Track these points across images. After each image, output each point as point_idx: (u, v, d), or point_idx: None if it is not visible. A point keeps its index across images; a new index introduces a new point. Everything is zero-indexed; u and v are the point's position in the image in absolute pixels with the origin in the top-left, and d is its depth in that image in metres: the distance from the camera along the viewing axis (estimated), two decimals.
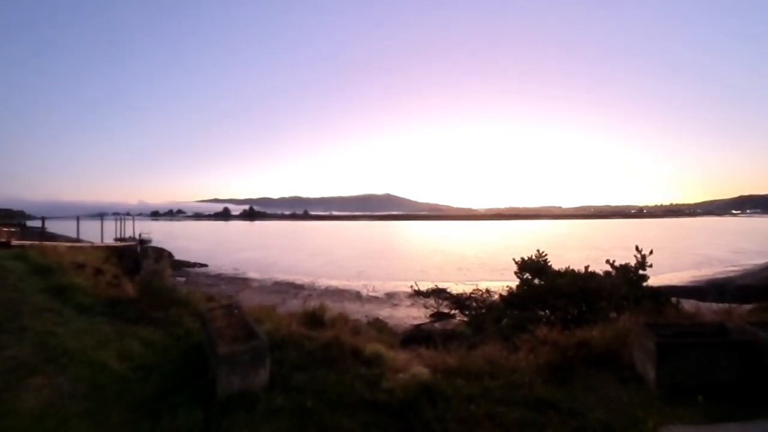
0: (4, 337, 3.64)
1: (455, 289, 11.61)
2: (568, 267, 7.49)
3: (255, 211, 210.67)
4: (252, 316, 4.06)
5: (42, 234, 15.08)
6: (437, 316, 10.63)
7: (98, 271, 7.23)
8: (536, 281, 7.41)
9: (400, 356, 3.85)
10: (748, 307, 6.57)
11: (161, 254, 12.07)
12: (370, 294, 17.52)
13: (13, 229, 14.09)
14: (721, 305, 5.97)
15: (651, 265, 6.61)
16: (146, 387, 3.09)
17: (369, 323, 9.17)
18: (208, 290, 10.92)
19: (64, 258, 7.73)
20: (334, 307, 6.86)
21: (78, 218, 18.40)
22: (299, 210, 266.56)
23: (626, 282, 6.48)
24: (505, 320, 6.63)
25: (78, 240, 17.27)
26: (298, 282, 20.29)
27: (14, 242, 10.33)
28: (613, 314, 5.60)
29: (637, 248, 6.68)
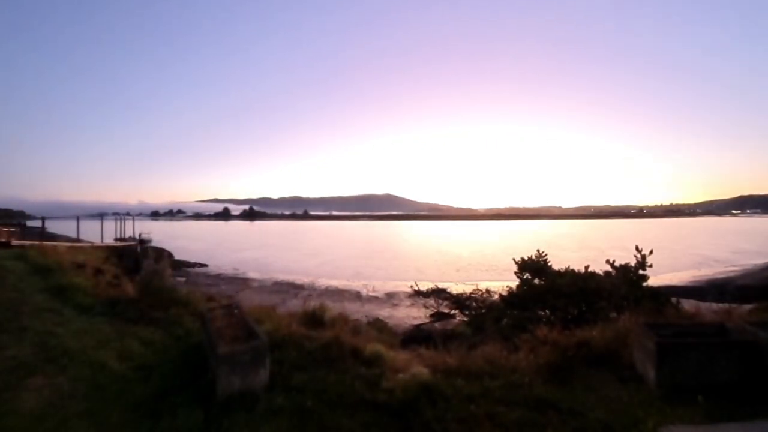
0: (4, 337, 3.64)
1: (455, 289, 11.61)
2: (568, 267, 7.49)
3: (255, 211, 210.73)
4: (252, 316, 4.06)
5: (42, 234, 15.08)
6: (437, 316, 10.63)
7: (98, 271, 7.23)
8: (536, 281, 7.41)
9: (400, 356, 3.85)
10: (748, 307, 6.57)
11: (161, 254, 12.07)
12: (370, 294, 17.52)
13: (13, 229, 14.09)
14: (721, 305, 5.97)
15: (651, 265, 6.61)
16: (146, 387, 3.09)
17: (369, 323, 9.17)
18: (208, 290, 10.92)
19: (64, 258, 7.73)
20: (334, 307, 6.86)
21: (78, 218, 18.40)
22: (299, 210, 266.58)
23: (626, 282, 6.48)
24: (505, 320, 6.63)
25: (78, 240, 17.27)
26: (298, 282, 20.29)
27: (14, 242, 10.33)
28: (613, 314, 5.60)
29: (637, 248, 6.68)
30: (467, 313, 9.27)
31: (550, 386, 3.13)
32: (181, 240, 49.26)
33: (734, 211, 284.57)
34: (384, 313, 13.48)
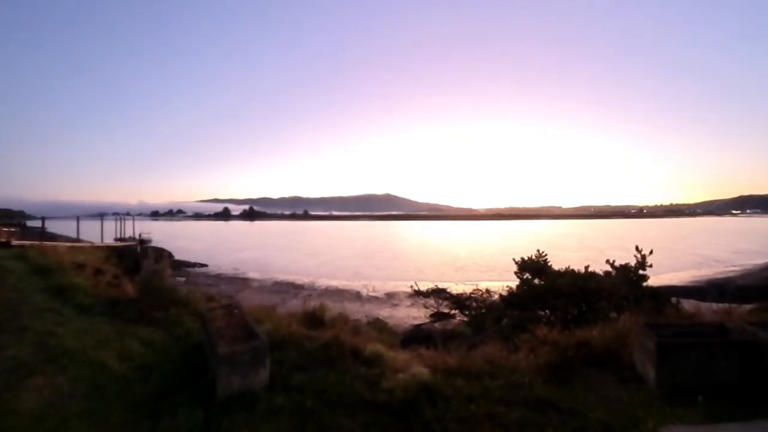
0: (4, 337, 3.64)
1: (455, 289, 11.61)
2: (568, 267, 7.49)
3: (255, 211, 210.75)
4: (252, 316, 4.06)
5: (42, 234, 15.08)
6: (437, 316, 10.63)
7: (98, 271, 7.23)
8: (536, 281, 7.41)
9: (400, 356, 3.85)
10: (748, 307, 6.57)
11: (161, 254, 12.07)
12: (370, 294, 17.52)
13: (13, 229, 14.09)
14: (721, 305, 5.97)
15: (651, 265, 6.61)
16: (146, 387, 3.09)
17: (369, 323, 9.17)
18: (208, 290, 10.92)
19: (64, 258, 7.73)
20: (334, 307, 6.86)
21: (78, 218, 18.40)
22: (299, 210, 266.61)
23: (626, 282, 6.48)
24: (505, 320, 6.63)
25: (78, 240, 17.27)
26: (298, 282, 20.29)
27: (14, 242, 10.33)
28: (613, 314, 5.60)
29: (637, 248, 6.68)
30: (467, 313, 9.27)
31: (550, 386, 3.13)
32: (181, 240, 49.27)
33: (734, 211, 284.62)
34: (384, 313, 13.48)
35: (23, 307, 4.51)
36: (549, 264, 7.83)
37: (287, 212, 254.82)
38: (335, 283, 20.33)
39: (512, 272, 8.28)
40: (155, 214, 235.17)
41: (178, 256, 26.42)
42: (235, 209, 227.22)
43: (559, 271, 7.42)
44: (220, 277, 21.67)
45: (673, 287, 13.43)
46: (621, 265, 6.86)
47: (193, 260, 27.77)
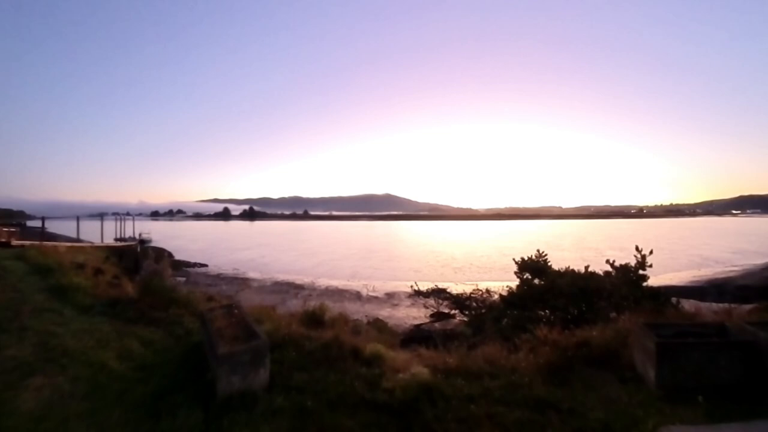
0: (4, 337, 3.64)
1: (455, 289, 11.61)
2: (568, 267, 7.49)
3: (255, 211, 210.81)
4: (252, 316, 4.06)
5: (42, 234, 15.09)
6: (437, 316, 10.64)
7: (98, 271, 7.22)
8: (536, 281, 7.41)
9: (400, 356, 3.84)
10: (748, 307, 6.57)
11: (161, 254, 12.07)
12: (370, 294, 17.53)
13: (13, 229, 14.09)
14: (721, 305, 5.98)
15: (651, 266, 6.61)
16: (146, 387, 3.09)
17: (369, 323, 9.17)
18: (208, 290, 10.92)
19: (64, 258, 7.73)
20: (334, 307, 6.86)
21: (78, 218, 18.41)
22: (299, 210, 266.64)
23: (626, 282, 6.48)
24: (505, 320, 6.63)
25: (78, 240, 17.28)
26: (298, 282, 20.30)
27: (14, 242, 10.33)
28: (613, 314, 5.60)
29: (637, 248, 6.68)
30: (467, 313, 9.27)
31: (550, 386, 3.13)
32: (181, 240, 49.26)
33: (734, 211, 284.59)
34: (384, 313, 13.48)
35: (23, 307, 4.51)
36: (549, 264, 7.83)
37: (287, 212, 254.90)
38: (335, 283, 20.33)
39: (512, 272, 8.29)
40: (155, 214, 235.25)
41: (178, 256, 26.44)
42: (235, 209, 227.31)
43: (559, 271, 7.42)
44: (220, 277, 21.68)
45: (673, 287, 13.44)
46: (621, 265, 6.86)
47: (193, 260, 27.79)
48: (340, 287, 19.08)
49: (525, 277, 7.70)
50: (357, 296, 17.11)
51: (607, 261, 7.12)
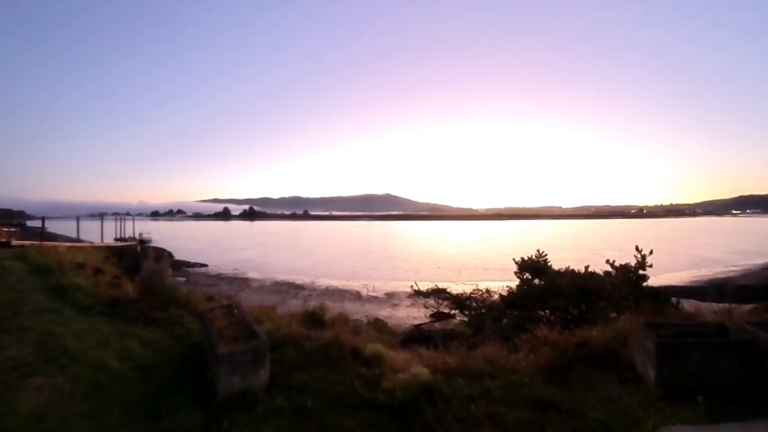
0: (4, 337, 3.64)
1: (455, 289, 11.61)
2: (568, 267, 7.49)
3: (255, 211, 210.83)
4: (252, 316, 4.06)
5: (42, 234, 15.09)
6: (437, 316, 10.64)
7: (98, 271, 7.22)
8: (536, 281, 7.41)
9: (400, 356, 3.84)
10: (748, 307, 6.57)
11: (161, 254, 12.08)
12: (370, 294, 17.53)
13: (13, 229, 14.09)
14: (721, 305, 5.98)
15: (651, 266, 6.61)
16: (146, 387, 3.09)
17: (369, 323, 9.18)
18: (208, 290, 10.92)
19: (64, 258, 7.72)
20: (334, 307, 6.85)
21: (78, 218, 18.41)
22: (299, 210, 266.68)
23: (626, 282, 6.47)
24: (505, 320, 6.63)
25: (78, 240, 17.28)
26: (298, 282, 20.30)
27: (14, 242, 10.32)
28: (613, 314, 5.60)
29: (637, 248, 6.68)
30: (467, 313, 9.27)
31: (550, 386, 3.13)
32: (181, 240, 49.27)
33: (734, 211, 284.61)
34: (384, 313, 13.49)
35: (23, 307, 4.51)
36: (549, 264, 7.83)
37: (287, 212, 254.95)
38: (335, 283, 20.34)
39: (511, 272, 8.29)
40: (155, 214, 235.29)
41: (178, 256, 26.45)
42: (235, 209, 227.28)
43: (559, 271, 7.42)
44: (220, 277, 21.69)
45: (673, 287, 13.44)
46: (621, 265, 6.86)
47: (193, 260, 27.80)
48: (340, 287, 19.08)
49: (525, 277, 7.70)
50: (357, 296, 17.12)
51: (607, 261, 7.12)
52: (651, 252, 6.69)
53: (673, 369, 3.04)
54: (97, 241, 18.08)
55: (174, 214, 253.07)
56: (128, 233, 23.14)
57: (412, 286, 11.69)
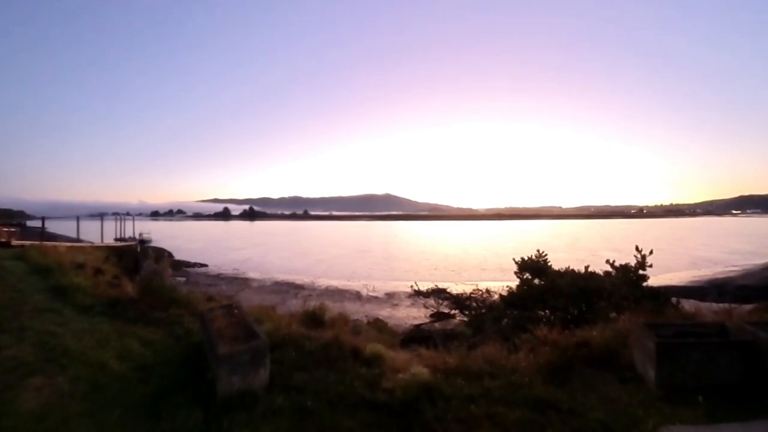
0: (4, 337, 3.63)
1: (455, 289, 11.61)
2: (568, 267, 7.49)
3: (255, 211, 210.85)
4: (252, 316, 4.06)
5: (42, 234, 15.09)
6: (437, 316, 10.64)
7: (98, 271, 7.22)
8: (536, 281, 7.41)
9: (400, 356, 3.84)
10: (748, 307, 6.57)
11: (161, 254, 12.08)
12: (370, 294, 17.53)
13: (13, 229, 14.09)
14: (721, 305, 5.98)
15: (651, 266, 6.61)
16: (146, 387, 3.09)
17: (369, 323, 9.18)
18: (208, 290, 10.92)
19: (64, 258, 7.72)
20: (334, 307, 6.86)
21: (78, 218, 18.41)
22: (299, 210, 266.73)
23: (626, 282, 6.47)
24: (505, 320, 6.63)
25: (78, 240, 17.28)
26: (298, 282, 20.30)
27: (14, 242, 10.32)
28: (613, 314, 5.60)
29: (637, 248, 6.68)
30: (467, 313, 9.27)
31: (550, 386, 3.12)
32: (181, 240, 49.27)
33: (734, 211, 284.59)
34: (384, 313, 13.49)
35: (23, 307, 4.51)
36: (549, 264, 7.83)
37: (287, 212, 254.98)
38: (335, 283, 20.34)
39: (511, 272, 8.29)
40: (155, 214, 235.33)
41: (178, 256, 26.45)
42: (235, 209, 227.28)
43: (559, 271, 7.42)
44: (220, 277, 21.69)
45: (673, 287, 13.44)
46: (621, 265, 6.86)
47: (193, 260, 27.80)
48: (340, 287, 19.08)
49: (525, 277, 7.70)
50: (357, 296, 17.12)
51: (607, 261, 7.13)
52: (651, 252, 6.69)
53: (673, 369, 3.04)
54: (97, 241, 18.08)
55: (174, 214, 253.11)
56: (128, 233, 23.13)
57: (412, 286, 11.69)
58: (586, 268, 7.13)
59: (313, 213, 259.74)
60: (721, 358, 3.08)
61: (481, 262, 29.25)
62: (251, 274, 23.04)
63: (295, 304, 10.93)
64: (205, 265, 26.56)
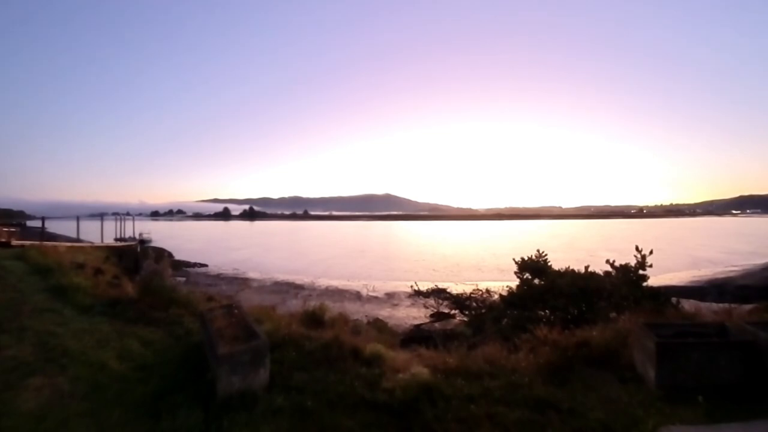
0: (4, 337, 3.63)
1: (455, 289, 11.62)
2: (568, 267, 7.49)
3: (255, 211, 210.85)
4: (252, 316, 4.06)
5: (42, 234, 15.09)
6: (437, 316, 10.64)
7: (98, 271, 7.22)
8: (536, 281, 7.41)
9: (400, 356, 3.84)
10: (748, 307, 6.57)
11: (161, 254, 12.08)
12: (370, 294, 17.53)
13: (13, 229, 14.09)
14: (721, 305, 5.98)
15: (651, 266, 6.61)
16: (146, 387, 3.09)
17: (369, 323, 9.18)
18: (208, 290, 10.92)
19: (64, 258, 7.72)
20: (334, 307, 6.86)
21: (78, 218, 18.40)
22: (299, 210, 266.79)
23: (626, 282, 6.47)
24: (505, 320, 6.63)
25: (78, 240, 17.28)
26: (298, 282, 20.30)
27: (14, 242, 10.32)
28: (613, 314, 5.60)
29: (637, 248, 6.68)
30: (467, 313, 9.28)
31: (550, 386, 3.12)
32: (181, 240, 49.26)
33: (734, 211, 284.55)
34: (384, 313, 13.49)
35: (23, 307, 4.51)
36: (549, 264, 7.83)
37: (287, 212, 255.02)
38: (335, 283, 20.34)
39: (511, 272, 8.29)
40: (155, 214, 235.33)
41: (178, 256, 26.45)
42: (235, 209, 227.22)
43: (559, 271, 7.42)
44: (220, 277, 21.69)
45: (673, 287, 13.44)
46: (621, 265, 6.86)
47: (193, 260, 27.80)
48: (340, 287, 19.08)
49: (525, 277, 7.70)
50: (357, 296, 17.12)
51: (608, 261, 7.12)
52: (651, 252, 6.69)
53: (673, 369, 3.04)
54: (97, 241, 18.08)
55: (174, 214, 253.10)
56: (128, 233, 23.13)
57: (412, 286, 11.69)
58: (586, 268, 7.13)
59: (313, 213, 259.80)
60: (721, 358, 3.08)
61: (480, 262, 29.25)
62: (251, 274, 23.04)
63: (295, 304, 10.93)
64: (205, 265, 26.56)
